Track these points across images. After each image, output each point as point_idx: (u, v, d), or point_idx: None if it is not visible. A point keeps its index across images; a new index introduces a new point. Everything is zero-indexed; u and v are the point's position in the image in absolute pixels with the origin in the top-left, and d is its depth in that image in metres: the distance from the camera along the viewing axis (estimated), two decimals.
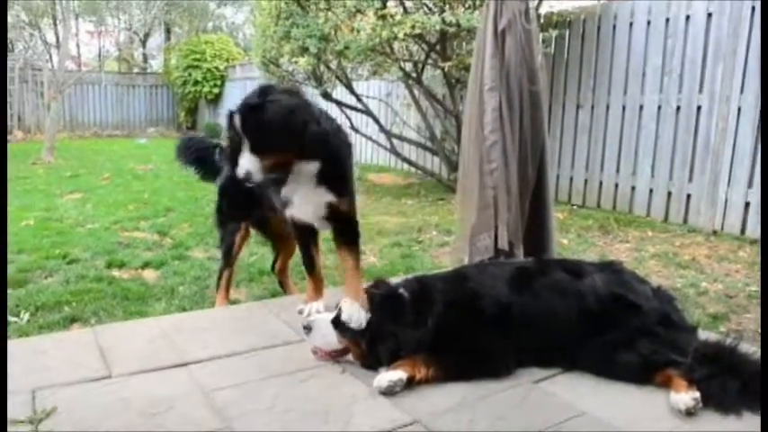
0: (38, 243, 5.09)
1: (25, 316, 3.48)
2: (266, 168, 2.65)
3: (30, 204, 6.92)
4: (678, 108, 6.24)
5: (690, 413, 2.16)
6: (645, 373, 2.38)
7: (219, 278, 3.55)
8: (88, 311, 3.57)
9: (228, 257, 3.51)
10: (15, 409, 2.13)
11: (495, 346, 2.52)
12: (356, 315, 2.51)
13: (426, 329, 2.49)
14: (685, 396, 2.19)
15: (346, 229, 3.10)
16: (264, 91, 2.72)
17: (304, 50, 7.31)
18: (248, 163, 2.61)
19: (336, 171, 2.89)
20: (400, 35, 6.37)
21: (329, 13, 7.00)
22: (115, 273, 4.36)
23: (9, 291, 3.89)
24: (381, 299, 2.56)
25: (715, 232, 5.82)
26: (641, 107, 6.59)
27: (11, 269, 4.33)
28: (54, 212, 6.50)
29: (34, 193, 7.81)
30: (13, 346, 2.82)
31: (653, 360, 2.38)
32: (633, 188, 6.72)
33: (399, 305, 2.54)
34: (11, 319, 3.41)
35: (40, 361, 2.54)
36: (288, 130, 2.61)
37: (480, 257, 3.41)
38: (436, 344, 2.46)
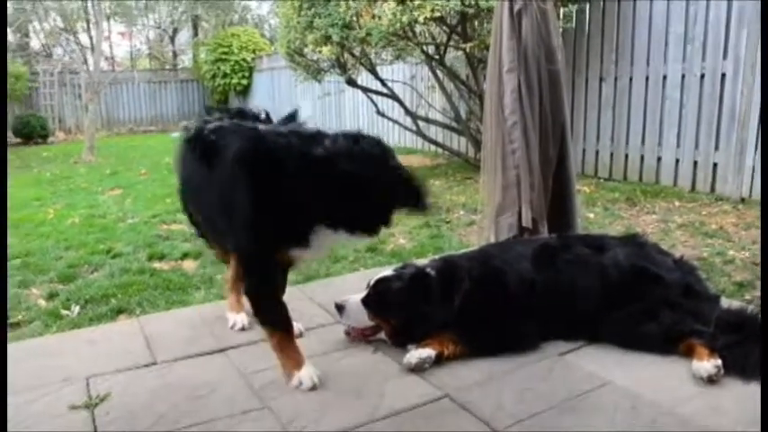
0: (83, 239, 5.32)
1: (75, 309, 3.68)
2: None
3: (74, 203, 7.20)
4: (702, 76, 6.14)
5: (712, 380, 2.20)
6: (668, 343, 2.41)
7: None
8: (133, 303, 3.76)
9: None
10: (73, 395, 2.30)
11: (520, 322, 2.58)
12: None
13: (453, 307, 2.56)
14: (707, 364, 2.23)
15: None
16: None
17: (327, 39, 7.38)
18: None
19: None
20: (421, 19, 6.39)
21: (350, 1, 7.05)
22: (156, 265, 4.55)
23: (60, 286, 4.12)
24: (410, 279, 2.65)
25: (743, 200, 5.75)
26: (665, 77, 6.50)
27: (61, 265, 4.56)
28: (97, 209, 6.75)
29: (77, 191, 8.10)
30: (67, 337, 3.03)
31: (676, 330, 2.42)
32: (659, 159, 6.65)
33: (427, 284, 2.62)
34: (63, 312, 3.62)
35: (92, 350, 2.71)
36: None
37: (505, 236, 3.48)
38: (463, 321, 2.54)
